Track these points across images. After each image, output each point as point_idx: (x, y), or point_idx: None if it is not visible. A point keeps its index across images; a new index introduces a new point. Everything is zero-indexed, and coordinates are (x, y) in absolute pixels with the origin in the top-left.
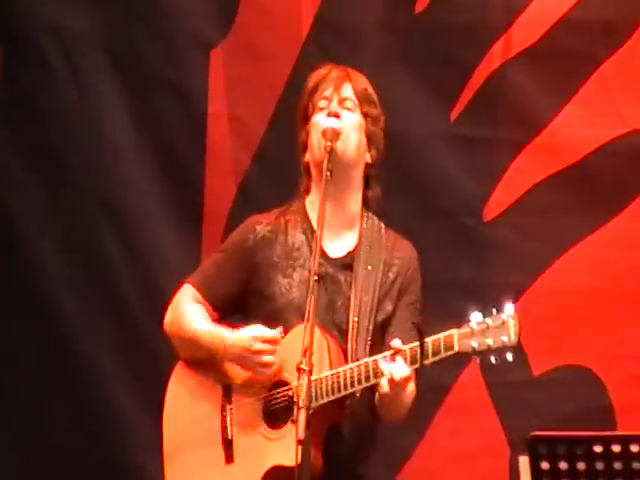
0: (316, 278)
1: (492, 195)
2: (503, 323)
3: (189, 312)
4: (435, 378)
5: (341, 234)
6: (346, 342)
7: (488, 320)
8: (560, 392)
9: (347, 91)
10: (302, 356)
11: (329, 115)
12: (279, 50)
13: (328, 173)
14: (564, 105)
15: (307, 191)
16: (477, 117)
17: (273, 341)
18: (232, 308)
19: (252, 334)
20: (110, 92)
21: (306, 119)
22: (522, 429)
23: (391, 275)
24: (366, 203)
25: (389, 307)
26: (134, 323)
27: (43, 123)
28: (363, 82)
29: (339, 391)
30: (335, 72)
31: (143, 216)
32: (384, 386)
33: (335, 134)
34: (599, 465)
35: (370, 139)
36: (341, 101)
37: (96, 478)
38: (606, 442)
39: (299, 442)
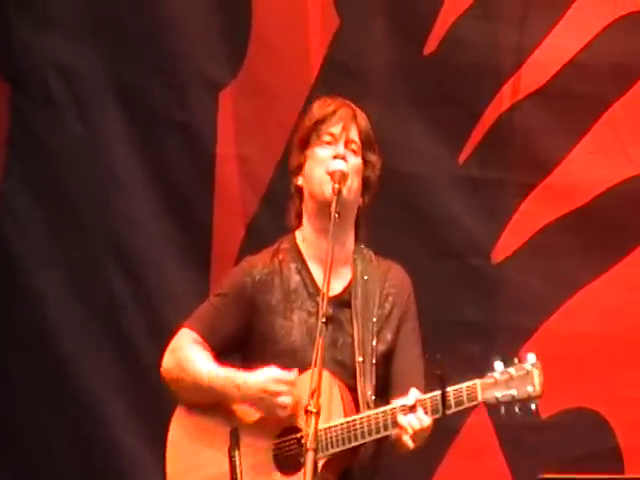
0: (324, 320)
1: (501, 237)
2: (527, 373)
3: (193, 355)
4: (443, 420)
5: (337, 271)
6: (351, 378)
7: (511, 370)
8: (568, 435)
9: (353, 133)
10: (310, 398)
11: (336, 157)
12: (288, 91)
13: (336, 215)
14: (573, 147)
15: (298, 221)
16: (486, 159)
17: (290, 383)
18: (231, 350)
19: (269, 376)
20: (118, 132)
21: (305, 145)
22: (529, 472)
23: (387, 305)
24: (356, 239)
25: (389, 337)
26: (139, 362)
27: (50, 161)
28: (366, 123)
29: (356, 439)
30: (344, 110)
31: (151, 256)
32: (408, 443)
33: (344, 177)
34: None
35: (366, 184)
36: (347, 143)
37: None
38: None
39: None
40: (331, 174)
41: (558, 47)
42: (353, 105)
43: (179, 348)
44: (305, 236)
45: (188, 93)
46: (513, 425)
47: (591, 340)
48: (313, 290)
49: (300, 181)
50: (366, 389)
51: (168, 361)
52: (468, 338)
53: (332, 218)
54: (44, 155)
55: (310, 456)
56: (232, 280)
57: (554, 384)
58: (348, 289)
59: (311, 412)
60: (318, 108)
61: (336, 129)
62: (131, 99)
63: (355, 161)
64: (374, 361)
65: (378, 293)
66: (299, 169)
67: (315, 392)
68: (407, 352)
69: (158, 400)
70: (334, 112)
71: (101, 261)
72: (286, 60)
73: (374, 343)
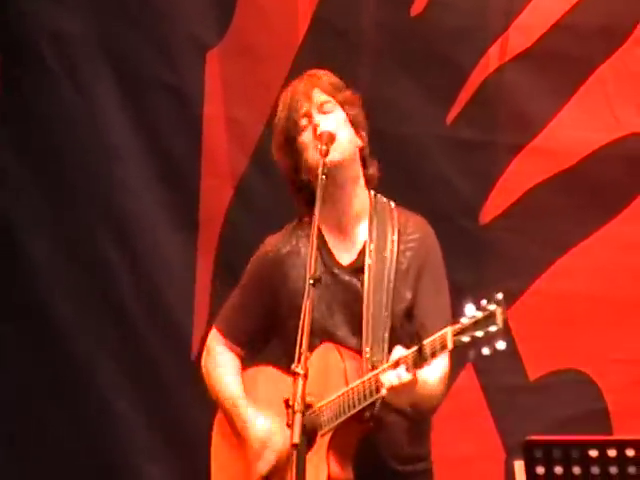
0: (312, 282)
1: (489, 198)
2: (491, 313)
3: (221, 374)
4: None
5: (352, 233)
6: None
7: (478, 313)
8: (556, 396)
9: (319, 95)
10: (297, 362)
11: (316, 129)
12: (276, 52)
13: (323, 177)
14: (561, 108)
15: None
16: (473, 120)
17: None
18: (261, 340)
19: (261, 445)
20: (107, 95)
21: (291, 145)
22: (518, 433)
23: (404, 261)
24: (367, 182)
25: (408, 295)
26: (132, 326)
27: (42, 127)
28: (326, 77)
29: (349, 409)
30: (301, 86)
31: (140, 218)
32: (387, 397)
33: (331, 137)
34: (594, 469)
35: (355, 124)
36: (320, 107)
37: None
38: (602, 446)
39: (294, 446)
40: (319, 137)
41: (545, 8)
42: (308, 71)
43: (209, 350)
44: (322, 212)
45: (176, 54)
46: (501, 386)
47: (580, 301)
48: (329, 262)
49: (303, 175)
50: (373, 354)
51: (203, 363)
52: (456, 299)
53: (319, 179)
54: (36, 122)
55: (298, 418)
56: (251, 268)
57: (542, 345)
58: (363, 252)
59: (298, 374)
60: (283, 102)
61: (305, 107)
62: (120, 62)
63: (336, 117)
64: (388, 321)
65: (396, 250)
66: (295, 168)
67: (303, 355)
68: (427, 306)
69: (151, 364)
70: (294, 95)
71: (93, 226)
72: (274, 20)
73: (389, 303)
